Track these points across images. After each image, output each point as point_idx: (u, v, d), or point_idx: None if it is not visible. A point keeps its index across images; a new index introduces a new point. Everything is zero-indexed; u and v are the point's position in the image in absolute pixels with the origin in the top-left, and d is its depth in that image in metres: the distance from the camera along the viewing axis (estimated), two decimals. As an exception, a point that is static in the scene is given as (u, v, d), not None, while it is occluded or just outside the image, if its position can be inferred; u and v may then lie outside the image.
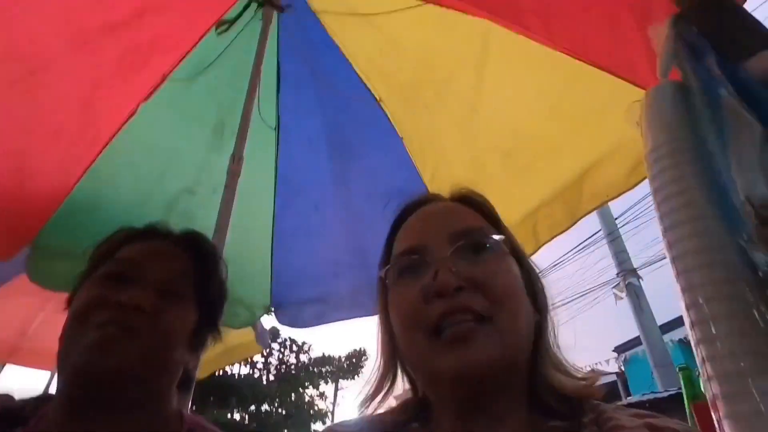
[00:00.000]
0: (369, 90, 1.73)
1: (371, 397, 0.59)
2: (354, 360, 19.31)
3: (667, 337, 8.81)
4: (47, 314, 3.01)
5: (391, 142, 1.80)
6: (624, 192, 1.40)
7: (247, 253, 1.90)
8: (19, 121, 1.36)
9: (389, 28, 1.56)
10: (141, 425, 0.59)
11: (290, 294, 1.98)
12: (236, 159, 1.27)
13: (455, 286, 0.50)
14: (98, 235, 1.79)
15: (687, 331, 0.67)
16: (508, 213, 1.54)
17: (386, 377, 0.61)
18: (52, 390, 0.65)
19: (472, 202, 0.62)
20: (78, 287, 0.65)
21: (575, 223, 1.51)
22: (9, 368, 3.28)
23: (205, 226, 1.84)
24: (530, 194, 1.52)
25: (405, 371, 0.61)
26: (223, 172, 1.81)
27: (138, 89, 1.54)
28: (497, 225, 0.60)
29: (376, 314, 2.09)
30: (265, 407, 15.71)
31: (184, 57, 1.54)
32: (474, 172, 1.70)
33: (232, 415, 14.74)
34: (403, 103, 1.72)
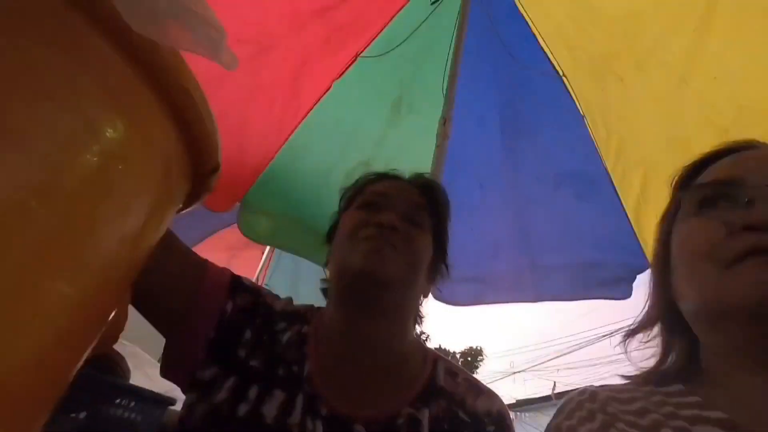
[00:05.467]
0: (552, 64, 1.64)
1: (631, 333, 0.54)
2: (469, 358, 18.99)
3: None
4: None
5: (571, 120, 1.68)
6: None
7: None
8: (246, 93, 1.62)
9: (587, -6, 1.46)
10: (398, 338, 0.66)
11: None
12: (445, 121, 1.32)
13: None
14: (290, 200, 2.03)
15: None
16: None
17: (651, 323, 0.53)
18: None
19: None
20: (337, 221, 0.76)
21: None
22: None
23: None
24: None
25: (669, 331, 0.51)
26: (395, 146, 1.92)
27: (335, 67, 1.71)
28: None
29: (535, 301, 1.97)
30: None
31: (376, 36, 1.66)
32: (672, 152, 1.50)
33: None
34: (591, 78, 1.60)
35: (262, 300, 0.67)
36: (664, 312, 0.52)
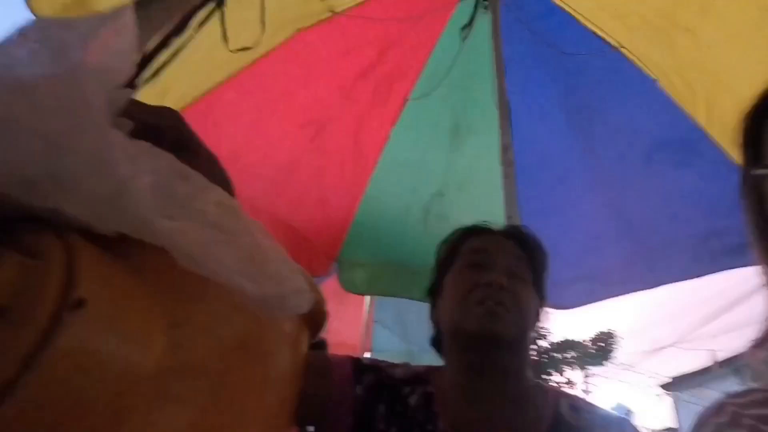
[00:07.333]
0: (604, 40, 1.56)
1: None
2: (602, 343, 17.56)
3: None
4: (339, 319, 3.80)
5: (643, 88, 1.57)
6: None
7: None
8: (318, 166, 1.76)
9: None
10: (519, 390, 0.69)
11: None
12: (504, 149, 1.33)
13: None
14: (378, 247, 2.12)
15: None
16: None
17: None
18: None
19: None
20: (438, 278, 0.79)
21: None
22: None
23: (458, 223, 2.01)
24: None
25: None
26: (463, 169, 1.93)
27: (388, 116, 1.80)
28: None
29: (655, 286, 1.80)
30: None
31: (418, 76, 1.72)
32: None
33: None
34: (653, 39, 1.48)
35: (384, 374, 0.74)
36: None
